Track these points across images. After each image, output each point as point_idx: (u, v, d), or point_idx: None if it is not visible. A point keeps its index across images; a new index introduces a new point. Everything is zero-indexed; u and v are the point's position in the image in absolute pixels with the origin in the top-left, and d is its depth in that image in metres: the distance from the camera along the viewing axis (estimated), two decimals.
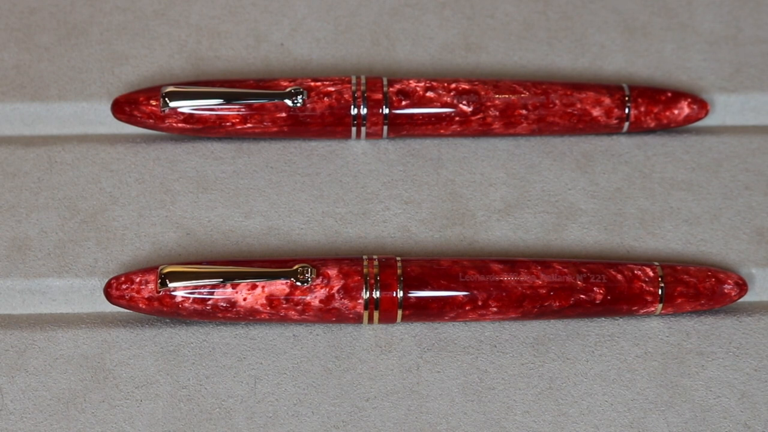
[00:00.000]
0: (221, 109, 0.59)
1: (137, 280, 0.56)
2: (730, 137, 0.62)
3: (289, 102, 0.59)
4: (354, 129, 0.60)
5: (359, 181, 0.61)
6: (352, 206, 0.60)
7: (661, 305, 0.57)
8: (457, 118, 0.60)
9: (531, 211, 0.60)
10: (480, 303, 0.56)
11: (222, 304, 0.56)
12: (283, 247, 0.59)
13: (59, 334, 0.57)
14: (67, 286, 0.58)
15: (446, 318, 0.57)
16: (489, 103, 0.60)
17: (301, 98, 0.59)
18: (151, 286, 0.56)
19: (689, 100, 0.61)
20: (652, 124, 0.61)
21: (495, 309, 0.57)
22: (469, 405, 0.56)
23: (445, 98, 0.60)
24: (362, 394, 0.56)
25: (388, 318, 0.57)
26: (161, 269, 0.56)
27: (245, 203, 0.60)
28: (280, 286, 0.56)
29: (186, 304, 0.56)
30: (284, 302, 0.56)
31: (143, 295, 0.56)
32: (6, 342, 0.57)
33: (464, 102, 0.60)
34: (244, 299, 0.56)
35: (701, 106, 0.61)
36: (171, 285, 0.55)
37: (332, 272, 0.56)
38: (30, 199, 0.60)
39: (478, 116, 0.60)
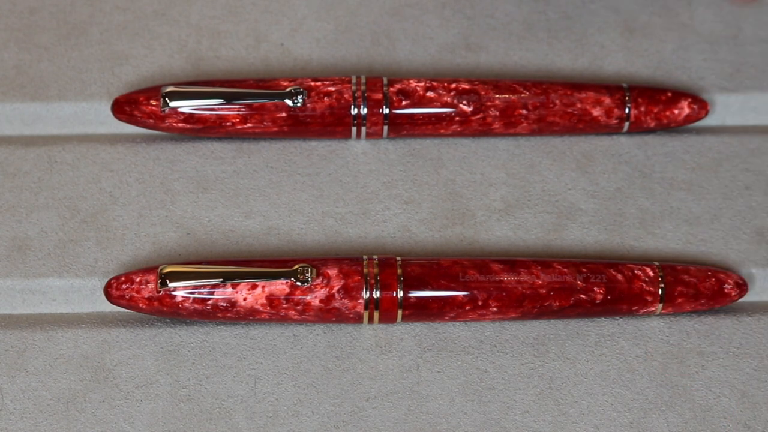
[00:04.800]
0: (221, 109, 0.59)
1: (137, 280, 0.56)
2: (730, 137, 0.62)
3: (289, 102, 0.59)
4: (354, 129, 0.60)
5: (359, 181, 0.61)
6: (352, 206, 0.60)
7: (661, 305, 0.57)
8: (457, 118, 0.60)
9: (531, 211, 0.60)
10: (480, 303, 0.56)
11: (222, 304, 0.56)
12: (283, 247, 0.59)
13: (59, 334, 0.57)
14: (67, 286, 0.58)
15: (446, 318, 0.57)
16: (489, 103, 0.60)
17: (301, 98, 0.59)
18: (151, 286, 0.56)
19: (689, 100, 0.61)
20: (652, 124, 0.61)
21: (495, 309, 0.57)
22: (469, 405, 0.56)
23: (445, 98, 0.60)
24: (362, 394, 0.56)
25: (388, 318, 0.57)
26: (161, 269, 0.56)
27: (245, 203, 0.60)
28: (280, 286, 0.56)
29: (186, 304, 0.56)
30: (284, 302, 0.56)
31: (143, 295, 0.56)
32: (6, 342, 0.57)
33: (464, 102, 0.60)
34: (244, 299, 0.56)
35: (701, 106, 0.61)
36: (171, 285, 0.55)
37: (332, 272, 0.56)
38: (30, 199, 0.60)
39: (478, 116, 0.60)
